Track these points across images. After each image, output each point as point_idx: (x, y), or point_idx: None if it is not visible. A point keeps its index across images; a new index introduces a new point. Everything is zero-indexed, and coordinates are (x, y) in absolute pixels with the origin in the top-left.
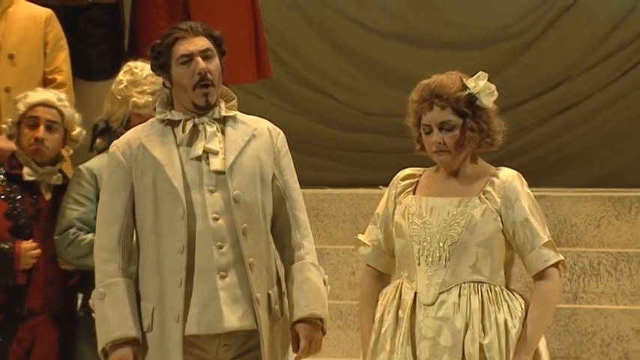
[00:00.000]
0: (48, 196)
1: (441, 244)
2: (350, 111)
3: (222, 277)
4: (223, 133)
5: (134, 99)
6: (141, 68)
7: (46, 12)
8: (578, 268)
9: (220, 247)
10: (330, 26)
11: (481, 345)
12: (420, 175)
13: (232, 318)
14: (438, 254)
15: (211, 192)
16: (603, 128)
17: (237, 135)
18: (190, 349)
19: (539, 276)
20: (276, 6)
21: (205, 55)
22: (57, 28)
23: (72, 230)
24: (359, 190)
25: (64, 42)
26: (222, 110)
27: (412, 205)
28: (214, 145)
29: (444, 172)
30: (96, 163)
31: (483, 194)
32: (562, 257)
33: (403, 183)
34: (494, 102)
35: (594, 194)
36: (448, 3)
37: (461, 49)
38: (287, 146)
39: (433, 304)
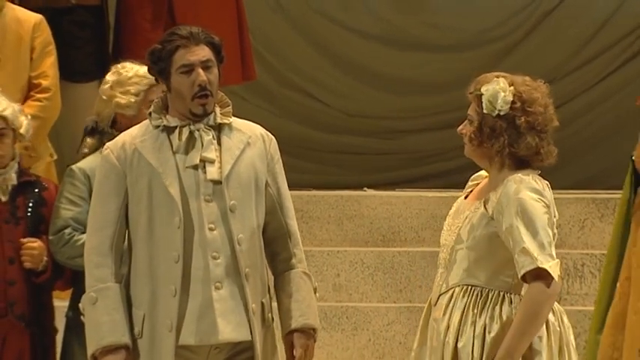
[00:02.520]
0: (4, 198)
1: (449, 247)
2: (335, 113)
3: (217, 289)
4: (219, 140)
5: (117, 99)
6: (127, 69)
7: (35, 17)
8: (562, 269)
9: (215, 258)
10: (315, 29)
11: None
12: (485, 178)
13: (227, 330)
14: (444, 256)
15: (208, 201)
16: (587, 130)
17: (233, 143)
18: (181, 351)
19: (525, 281)
20: (261, 8)
21: (206, 65)
22: (45, 34)
23: (67, 230)
24: (344, 191)
25: (51, 47)
26: (218, 117)
27: (453, 208)
28: (211, 153)
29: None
30: (88, 163)
31: (486, 199)
32: (541, 264)
33: (469, 184)
34: (524, 120)
35: (578, 196)
36: (432, 5)
37: (445, 52)
38: (279, 152)
39: (435, 305)
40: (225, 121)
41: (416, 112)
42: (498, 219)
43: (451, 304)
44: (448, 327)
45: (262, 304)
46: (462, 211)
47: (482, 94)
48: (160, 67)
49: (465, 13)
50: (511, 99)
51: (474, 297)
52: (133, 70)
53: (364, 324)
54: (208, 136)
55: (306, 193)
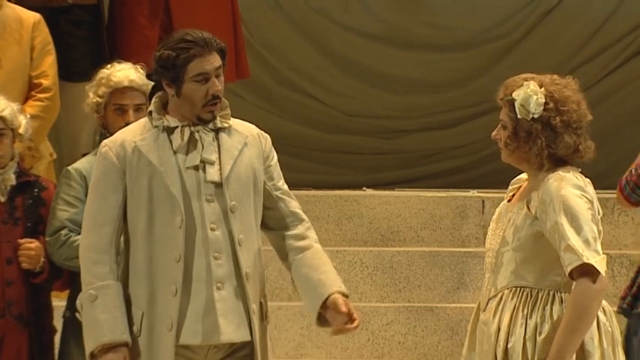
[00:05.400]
0: (3, 199)
1: (494, 251)
2: (334, 113)
3: (219, 289)
4: (218, 141)
5: (88, 99)
6: (105, 70)
7: (34, 16)
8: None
9: (217, 258)
10: (314, 28)
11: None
12: (526, 180)
13: (228, 330)
14: (490, 260)
15: (209, 202)
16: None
17: (232, 144)
18: (180, 350)
19: (572, 279)
20: (259, 7)
21: (217, 73)
22: (44, 33)
23: (64, 232)
24: (343, 191)
25: (51, 47)
26: (218, 121)
27: (496, 212)
28: (211, 155)
29: None
30: (84, 163)
31: (528, 199)
32: (587, 260)
33: (510, 188)
34: (559, 120)
35: None
36: (432, 5)
37: (445, 51)
38: (274, 150)
39: (484, 310)
40: (225, 124)
41: (416, 112)
42: (542, 218)
43: (500, 306)
44: (499, 329)
45: (261, 303)
46: (504, 214)
47: (514, 100)
48: (174, 74)
49: (465, 12)
50: (543, 101)
51: (523, 297)
52: (107, 72)
53: (363, 324)
54: (209, 137)
55: (305, 193)
